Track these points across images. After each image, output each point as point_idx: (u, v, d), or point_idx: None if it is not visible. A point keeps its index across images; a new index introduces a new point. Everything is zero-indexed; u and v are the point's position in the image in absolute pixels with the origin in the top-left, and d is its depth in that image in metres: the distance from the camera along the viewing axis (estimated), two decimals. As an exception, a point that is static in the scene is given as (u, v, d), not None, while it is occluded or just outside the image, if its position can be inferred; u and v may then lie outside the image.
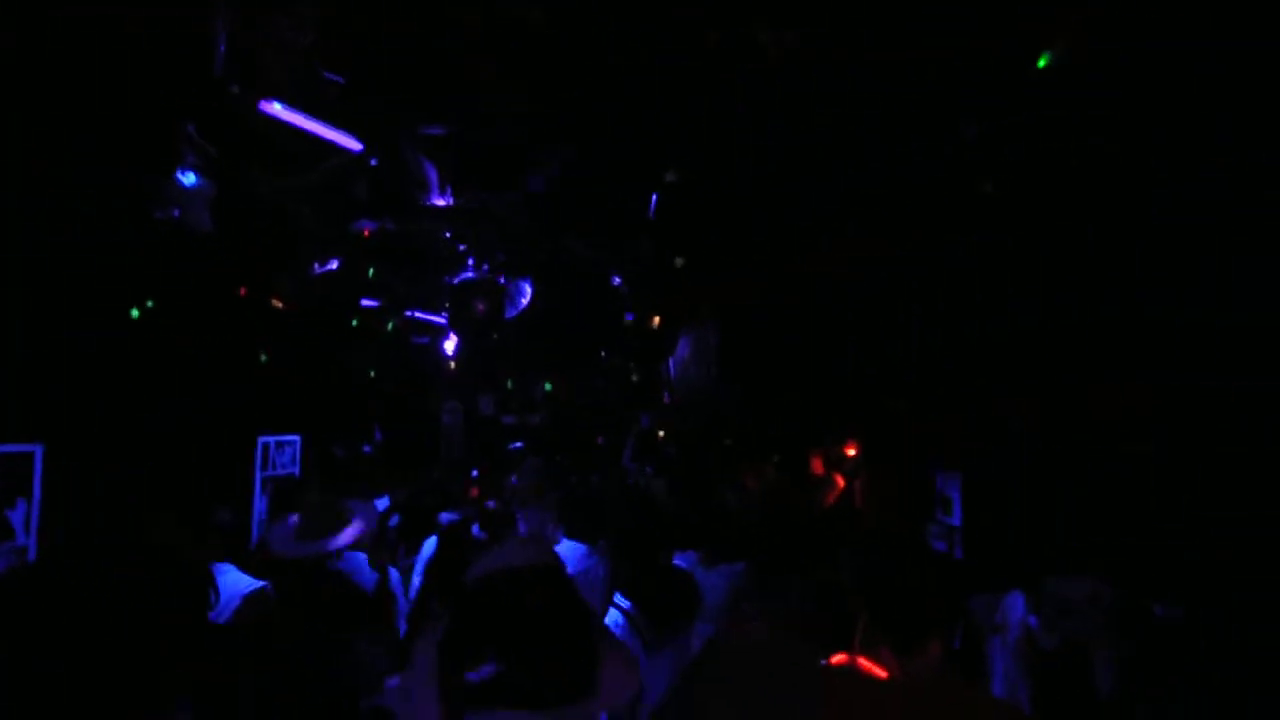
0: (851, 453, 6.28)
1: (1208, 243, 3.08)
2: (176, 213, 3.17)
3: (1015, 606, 2.69)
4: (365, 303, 6.03)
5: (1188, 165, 3.12)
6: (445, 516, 3.27)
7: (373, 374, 6.52)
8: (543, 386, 7.69)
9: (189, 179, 3.03)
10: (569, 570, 3.64)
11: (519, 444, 6.32)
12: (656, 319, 5.01)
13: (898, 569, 1.78)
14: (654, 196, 3.56)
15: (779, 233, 4.40)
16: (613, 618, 2.69)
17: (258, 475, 6.48)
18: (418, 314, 6.09)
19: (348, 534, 2.81)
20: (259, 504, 6.35)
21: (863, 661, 1.65)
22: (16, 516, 4.22)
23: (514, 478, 4.05)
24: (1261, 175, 2.84)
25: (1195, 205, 3.08)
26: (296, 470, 6.98)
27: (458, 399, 7.73)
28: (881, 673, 1.64)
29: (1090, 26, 3.24)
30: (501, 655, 1.20)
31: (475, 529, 3.33)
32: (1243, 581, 2.72)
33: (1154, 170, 3.27)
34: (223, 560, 2.75)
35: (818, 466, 6.75)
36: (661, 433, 9.33)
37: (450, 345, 6.52)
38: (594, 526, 3.78)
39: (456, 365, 6.73)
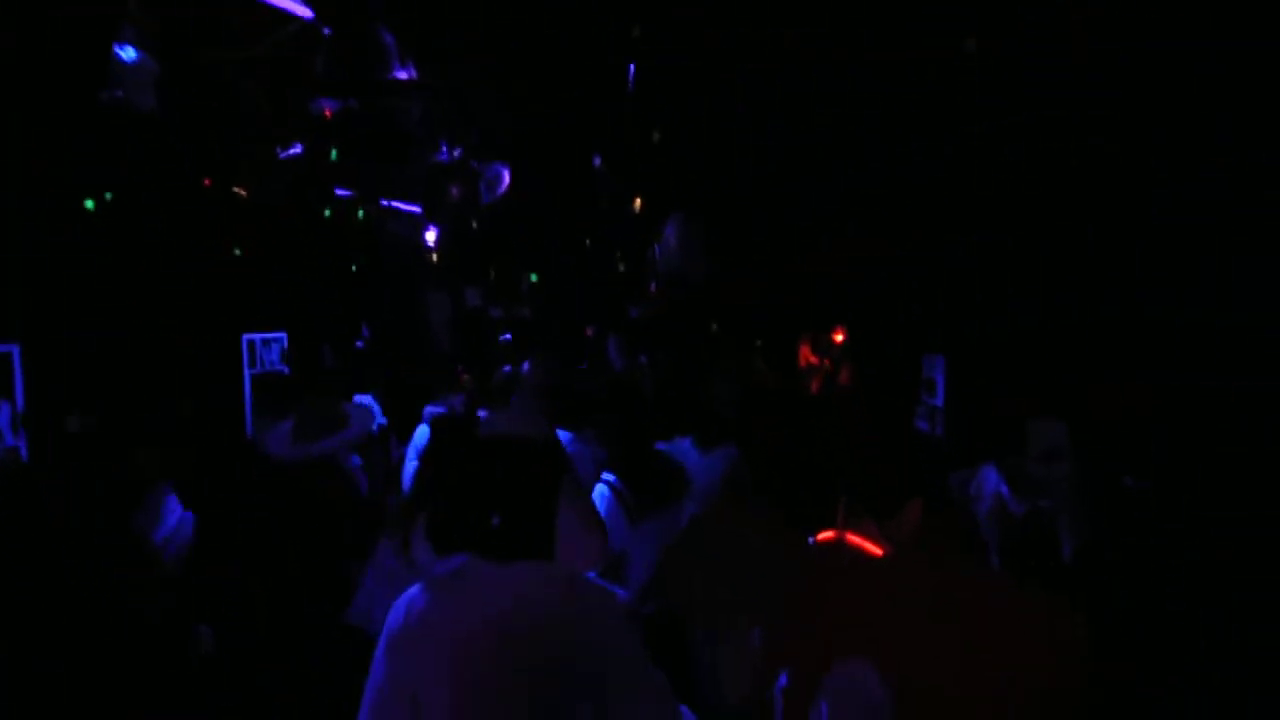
0: (840, 338, 6.29)
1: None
2: (119, 93, 2.94)
3: (989, 478, 2.78)
4: (339, 192, 5.80)
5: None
6: (430, 409, 3.27)
7: (354, 268, 6.37)
8: (528, 278, 7.58)
9: (128, 54, 2.79)
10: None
11: (508, 336, 6.28)
12: (638, 201, 4.85)
13: (868, 442, 1.81)
14: (631, 68, 3.33)
15: (764, 86, 4.18)
16: (599, 491, 2.76)
17: (246, 373, 6.47)
18: (395, 204, 5.87)
19: (347, 435, 2.80)
20: (248, 402, 6.38)
21: (850, 537, 1.69)
22: (2, 419, 4.22)
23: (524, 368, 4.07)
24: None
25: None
26: (285, 368, 6.97)
27: (443, 292, 7.62)
28: (870, 547, 1.65)
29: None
30: (481, 510, 1.34)
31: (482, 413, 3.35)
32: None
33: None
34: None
35: (806, 353, 6.79)
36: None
37: (431, 235, 6.34)
38: (579, 415, 3.81)
39: (439, 257, 6.58)
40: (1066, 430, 2.45)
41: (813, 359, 6.60)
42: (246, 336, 6.40)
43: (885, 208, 5.04)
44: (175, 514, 2.66)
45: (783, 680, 1.26)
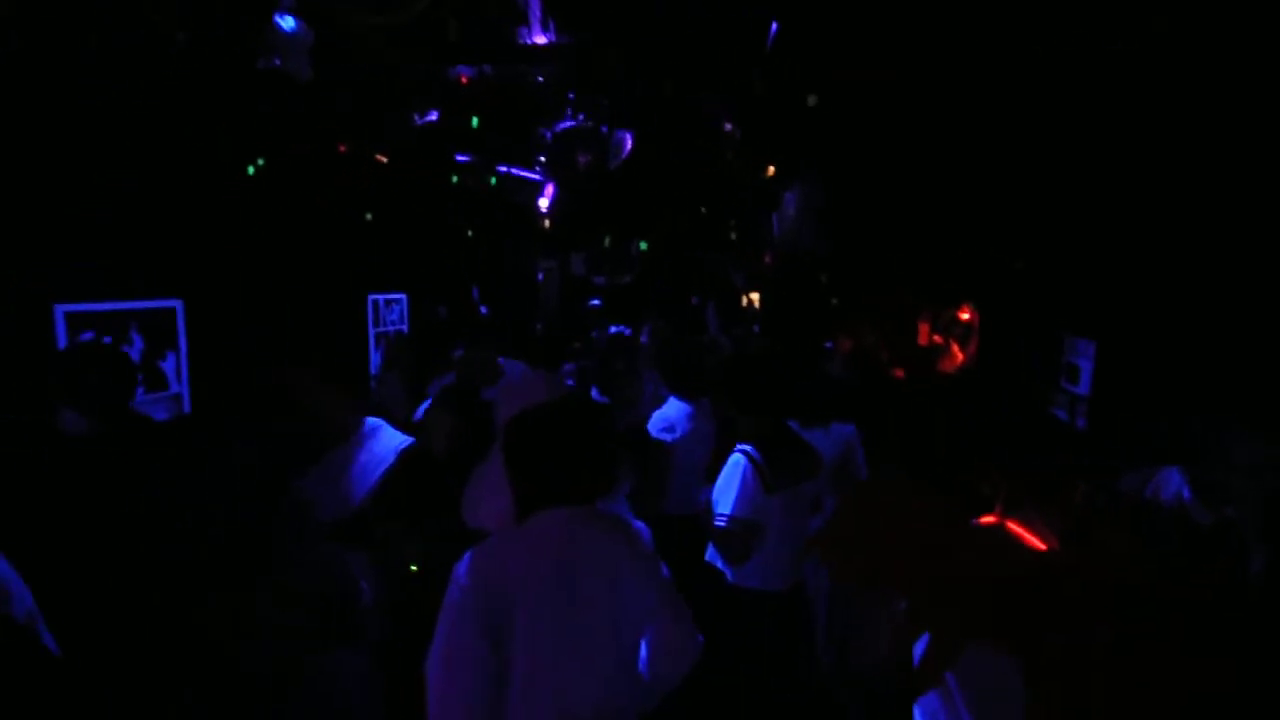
0: (965, 316, 5.92)
1: None
2: (277, 61, 3.05)
3: (1170, 482, 2.53)
4: (460, 158, 5.90)
5: None
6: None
7: (470, 233, 6.53)
8: (637, 244, 7.53)
9: (287, 23, 2.88)
10: (679, 429, 3.66)
11: (597, 301, 6.28)
12: (771, 169, 4.65)
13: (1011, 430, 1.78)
14: (773, 26, 3.14)
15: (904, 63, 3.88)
16: (735, 460, 2.73)
17: (371, 331, 6.82)
18: (513, 170, 5.93)
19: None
20: (373, 358, 6.73)
21: (1012, 524, 1.62)
22: (168, 367, 4.62)
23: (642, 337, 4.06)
24: None
25: None
26: (405, 327, 7.30)
27: (552, 258, 7.71)
28: (1032, 539, 1.63)
29: None
30: (545, 466, 1.69)
31: (594, 391, 3.37)
32: None
33: None
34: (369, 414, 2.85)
35: (926, 331, 6.45)
36: (756, 295, 9.12)
37: (544, 202, 6.39)
38: (697, 386, 3.78)
39: (551, 223, 6.63)
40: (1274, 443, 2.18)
41: (935, 337, 6.27)
42: (372, 296, 6.73)
43: (1025, 167, 4.58)
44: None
45: (922, 644, 1.29)
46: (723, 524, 2.73)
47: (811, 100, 3.51)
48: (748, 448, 2.76)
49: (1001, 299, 5.39)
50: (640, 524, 1.80)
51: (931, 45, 3.94)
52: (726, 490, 2.72)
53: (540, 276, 7.67)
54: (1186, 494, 2.46)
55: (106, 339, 4.21)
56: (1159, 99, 3.45)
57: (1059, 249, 4.83)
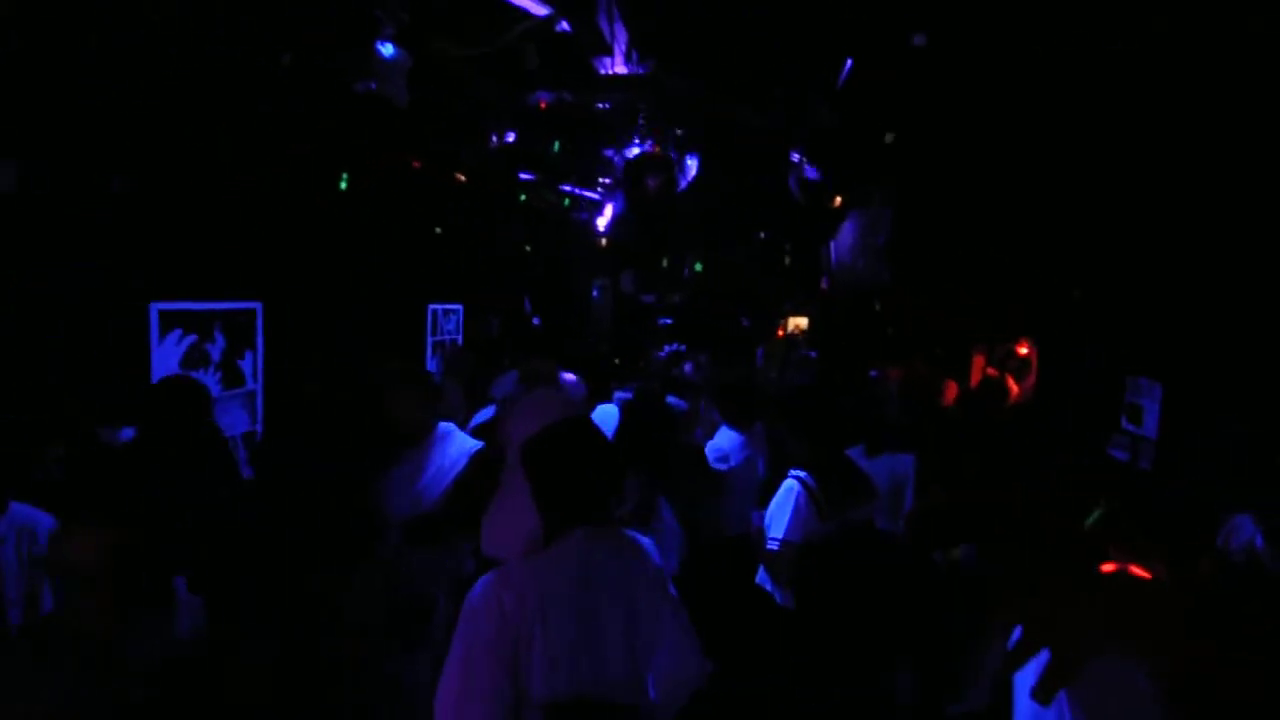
0: (1024, 351, 5.85)
1: None
2: (374, 85, 3.24)
3: (1242, 529, 2.50)
4: (524, 176, 6.10)
5: None
6: (620, 394, 3.39)
7: (528, 248, 6.72)
8: (693, 266, 7.63)
9: (388, 50, 3.07)
10: (733, 459, 3.70)
11: (667, 320, 6.38)
12: (838, 200, 4.70)
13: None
14: (848, 63, 3.22)
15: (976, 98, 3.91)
16: (789, 485, 2.77)
17: (429, 339, 7.04)
18: (575, 189, 6.10)
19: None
20: (430, 365, 6.94)
21: (1134, 569, 1.59)
22: (246, 365, 4.86)
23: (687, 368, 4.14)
24: None
25: None
26: (459, 337, 7.51)
27: (605, 275, 7.86)
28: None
29: None
30: (569, 486, 1.65)
31: (671, 399, 3.45)
32: None
33: None
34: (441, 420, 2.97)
35: (981, 364, 6.38)
36: (804, 321, 9.12)
37: (603, 222, 6.54)
38: (748, 413, 3.83)
39: (607, 241, 6.77)
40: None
41: (990, 370, 6.19)
42: (431, 306, 6.96)
43: (1093, 199, 4.52)
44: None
45: (1043, 656, 1.28)
46: (775, 547, 2.77)
47: (889, 138, 3.57)
48: (802, 474, 2.80)
49: (1062, 334, 5.32)
50: (647, 540, 1.76)
51: (999, 77, 3.97)
52: (780, 515, 2.76)
53: (595, 293, 7.83)
54: (1260, 542, 2.42)
55: (189, 338, 4.47)
56: (1245, 134, 3.42)
57: (1125, 284, 4.76)
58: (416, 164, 5.16)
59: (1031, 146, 4.57)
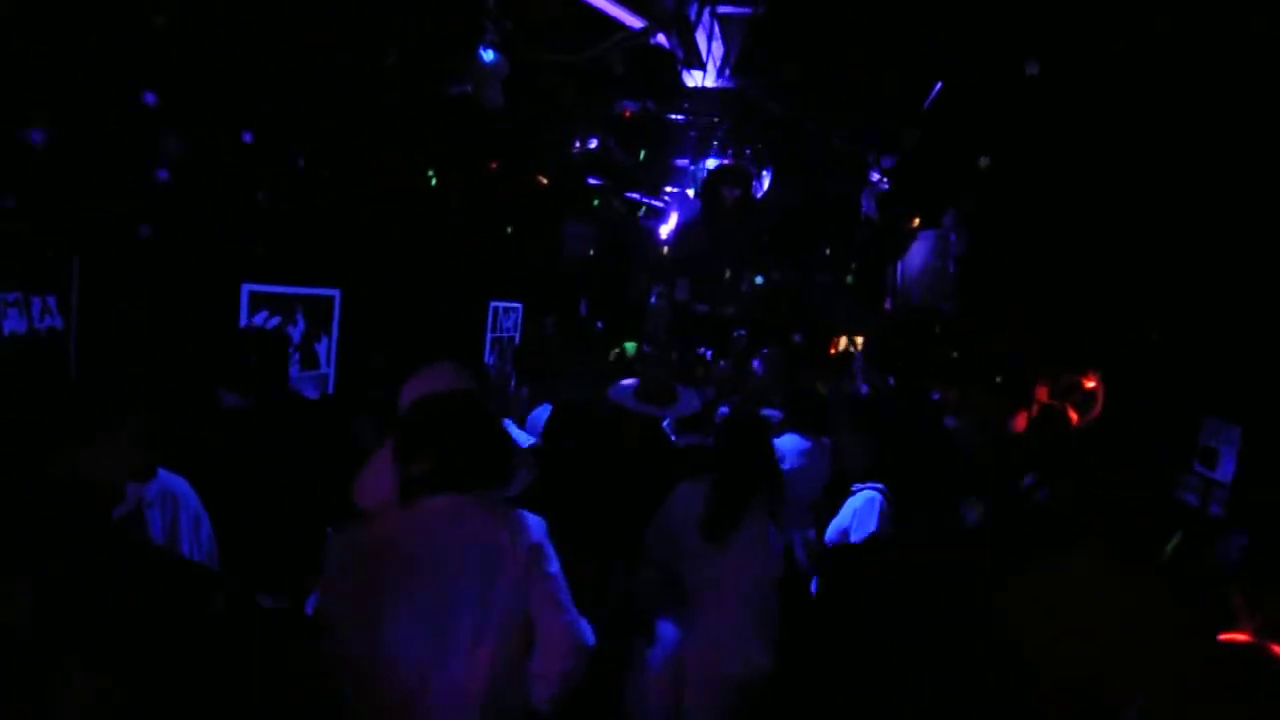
0: (1091, 384, 5.70)
1: None
2: (470, 88, 3.38)
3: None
4: (592, 181, 6.21)
5: None
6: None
7: (591, 252, 6.83)
8: (753, 279, 7.65)
9: (489, 56, 3.20)
10: (789, 463, 3.73)
11: (742, 332, 6.42)
12: (916, 221, 4.70)
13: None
14: (937, 86, 3.23)
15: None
16: (870, 495, 2.82)
17: (488, 335, 7.21)
18: (640, 196, 6.19)
19: (684, 406, 3.06)
20: (489, 360, 7.10)
21: (1275, 648, 1.54)
22: (321, 349, 5.07)
23: (756, 365, 4.18)
24: None
25: None
26: (517, 335, 7.67)
27: (664, 283, 7.93)
28: None
29: None
30: (436, 451, 1.66)
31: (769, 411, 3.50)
32: None
33: None
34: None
35: (1043, 394, 6.23)
36: (860, 339, 9.03)
37: (666, 229, 6.62)
38: (818, 422, 3.86)
39: (669, 250, 6.84)
40: None
41: (1051, 402, 6.05)
42: (493, 304, 7.12)
43: (1176, 235, 4.42)
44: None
45: None
46: None
47: (984, 162, 3.56)
48: (880, 486, 2.83)
49: (1134, 371, 5.19)
50: (535, 518, 1.72)
51: (1085, 108, 3.92)
52: (866, 522, 2.77)
53: (654, 300, 7.91)
54: None
55: (274, 320, 4.69)
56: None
57: (1203, 322, 4.63)
58: (494, 165, 5.31)
59: (1114, 179, 4.49)
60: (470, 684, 1.59)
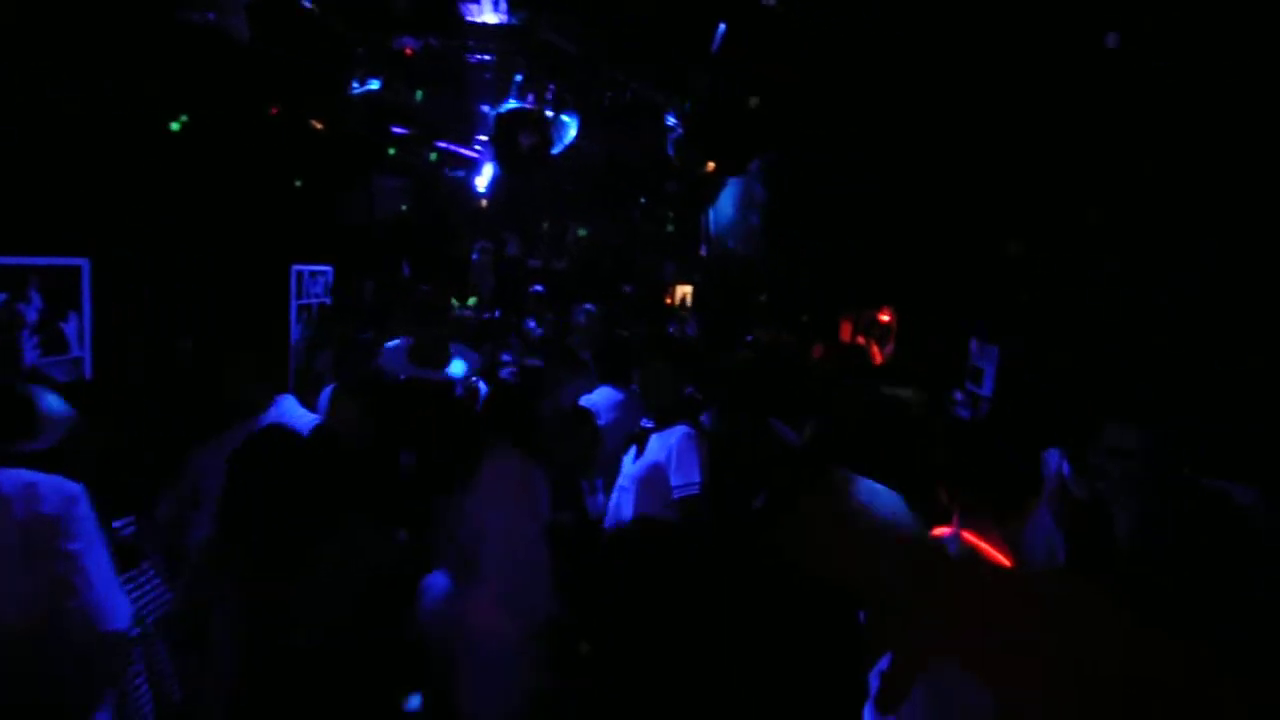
0: (885, 318, 6.24)
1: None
2: (211, 16, 2.93)
3: (1051, 461, 2.83)
4: (397, 130, 5.76)
5: None
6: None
7: (404, 207, 6.38)
8: (576, 231, 7.53)
9: (225, -23, 2.77)
10: (603, 417, 3.74)
11: (539, 287, 6.30)
12: (711, 165, 4.77)
13: (994, 444, 1.84)
14: (721, 27, 3.24)
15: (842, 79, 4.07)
16: (686, 432, 2.87)
17: (293, 303, 6.56)
18: (450, 146, 5.82)
19: (460, 366, 2.89)
20: (294, 330, 6.49)
21: (966, 535, 1.69)
22: (70, 329, 4.33)
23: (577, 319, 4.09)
24: None
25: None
26: (329, 300, 7.06)
27: (487, 238, 7.61)
28: (993, 552, 1.67)
29: None
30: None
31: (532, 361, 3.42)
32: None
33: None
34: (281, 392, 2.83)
35: (846, 330, 6.76)
36: (689, 288, 9.28)
37: (482, 182, 6.30)
38: (628, 372, 3.88)
39: (488, 203, 6.54)
40: (1146, 436, 2.46)
41: (859, 338, 6.57)
42: (295, 267, 6.47)
43: (944, 184, 4.88)
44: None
45: (883, 664, 1.29)
46: (696, 491, 2.81)
47: (753, 102, 3.64)
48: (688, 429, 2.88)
49: (916, 303, 5.72)
50: (67, 486, 1.62)
51: (866, 53, 4.13)
52: (686, 463, 2.80)
53: (476, 256, 7.57)
54: (1066, 470, 2.77)
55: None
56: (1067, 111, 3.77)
57: (968, 257, 5.17)
58: (275, 110, 4.73)
59: (895, 121, 4.83)
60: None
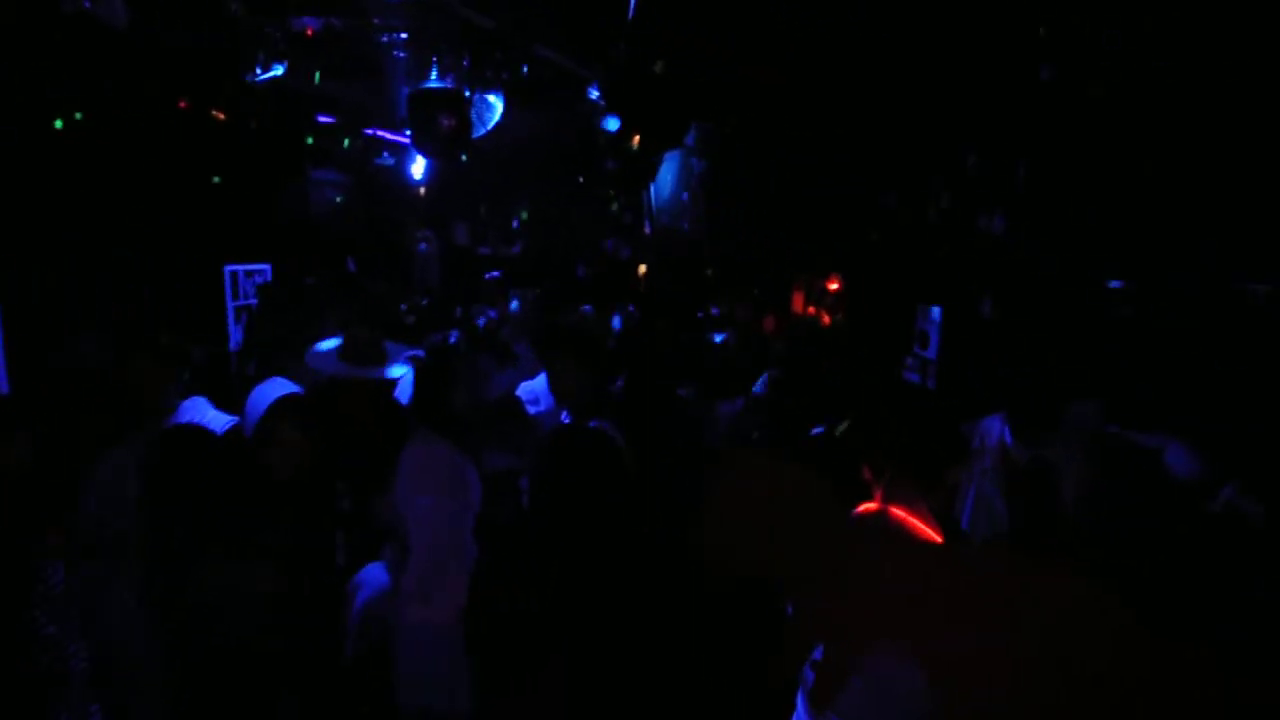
0: (834, 286, 6.21)
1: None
2: (87, 3, 2.73)
3: (993, 428, 2.80)
4: (322, 119, 5.53)
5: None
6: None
7: (339, 199, 6.15)
8: (519, 215, 7.35)
9: (92, -39, 2.57)
10: (544, 403, 3.64)
11: (496, 273, 6.14)
12: (636, 138, 4.65)
13: (910, 416, 1.80)
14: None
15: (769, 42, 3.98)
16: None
17: (229, 304, 6.32)
18: (379, 132, 5.61)
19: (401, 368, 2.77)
20: (234, 332, 6.26)
21: (895, 511, 1.64)
22: (-24, 344, 4.09)
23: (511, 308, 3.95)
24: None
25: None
26: (254, 302, 6.81)
27: (431, 227, 7.40)
28: (921, 527, 1.63)
29: None
30: None
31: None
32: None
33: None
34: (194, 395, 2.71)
35: (798, 301, 6.72)
36: (642, 266, 9.16)
37: (417, 169, 6.09)
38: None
39: (427, 191, 6.34)
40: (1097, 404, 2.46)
41: (810, 308, 6.54)
42: (229, 268, 6.23)
43: (884, 154, 4.86)
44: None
45: (817, 654, 1.22)
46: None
47: (659, 67, 3.53)
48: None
49: (864, 271, 5.70)
50: None
51: (797, 23, 4.05)
52: None
53: (423, 247, 7.36)
54: (1008, 437, 2.74)
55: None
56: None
57: (909, 223, 5.15)
58: (183, 104, 4.49)
59: (829, 90, 4.76)
60: None
